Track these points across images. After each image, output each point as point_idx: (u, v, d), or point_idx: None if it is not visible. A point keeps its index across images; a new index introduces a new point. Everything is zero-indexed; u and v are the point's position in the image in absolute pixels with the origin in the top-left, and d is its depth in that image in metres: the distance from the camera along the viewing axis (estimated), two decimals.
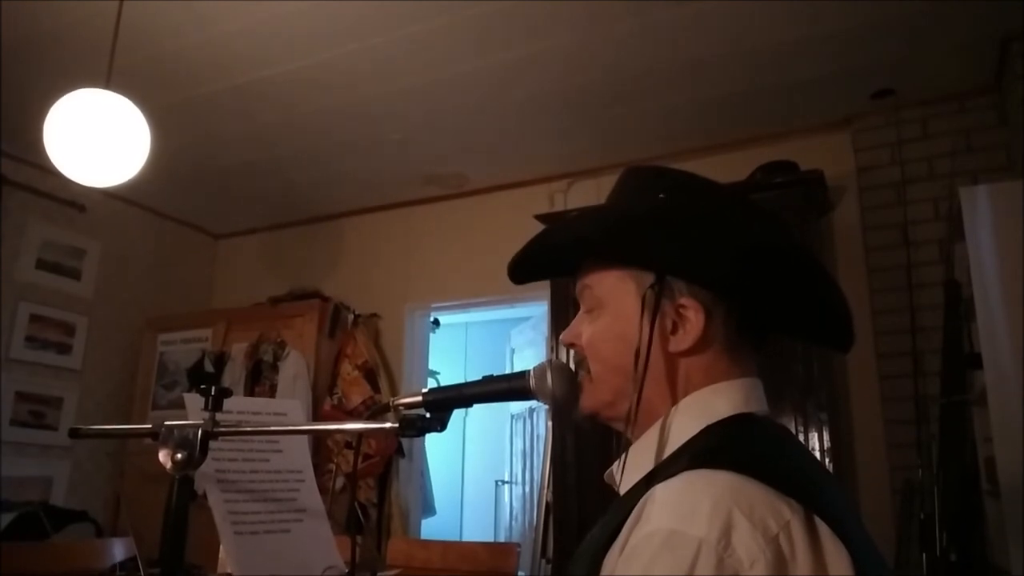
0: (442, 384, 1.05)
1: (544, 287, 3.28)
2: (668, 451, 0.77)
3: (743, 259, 0.78)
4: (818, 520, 0.65)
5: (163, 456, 0.91)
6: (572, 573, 0.75)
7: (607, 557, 0.71)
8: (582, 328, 0.87)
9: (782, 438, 0.81)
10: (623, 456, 0.81)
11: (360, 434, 1.03)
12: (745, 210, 0.84)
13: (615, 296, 0.83)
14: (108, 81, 2.12)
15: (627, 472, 0.80)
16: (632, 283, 0.82)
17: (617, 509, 0.74)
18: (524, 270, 0.94)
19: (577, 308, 0.90)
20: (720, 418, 0.77)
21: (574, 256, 0.89)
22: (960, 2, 2.42)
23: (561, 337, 0.92)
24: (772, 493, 0.65)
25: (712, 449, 0.72)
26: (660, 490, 0.68)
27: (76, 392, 3.87)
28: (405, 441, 3.76)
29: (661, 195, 0.84)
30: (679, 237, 0.79)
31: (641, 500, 0.69)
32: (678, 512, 0.64)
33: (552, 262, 0.94)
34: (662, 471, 0.73)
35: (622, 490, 0.80)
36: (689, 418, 0.78)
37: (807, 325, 0.85)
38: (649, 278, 0.80)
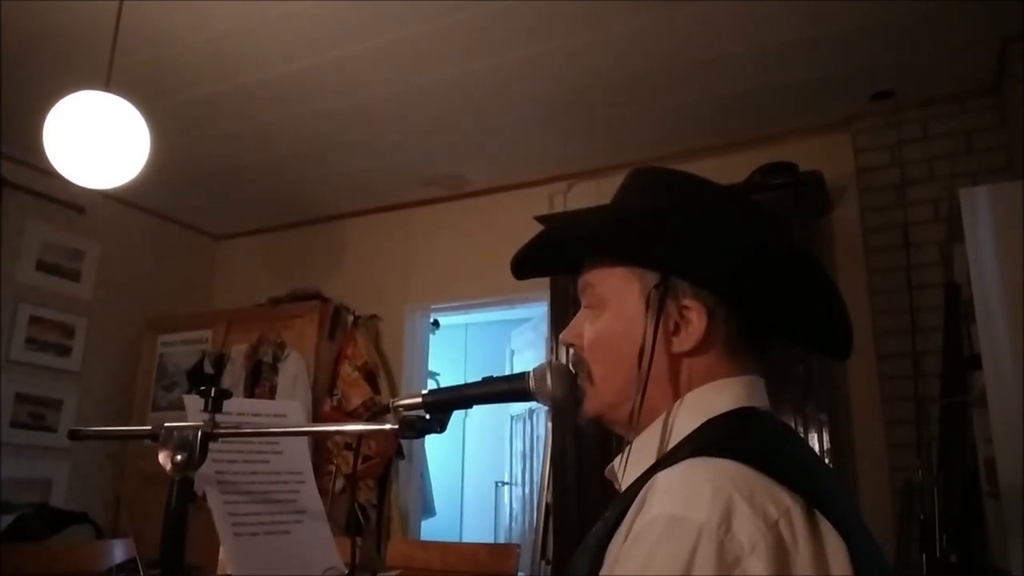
0: (442, 385, 1.05)
1: (544, 288, 3.28)
2: (669, 446, 0.78)
3: (746, 263, 0.78)
4: (819, 514, 0.65)
5: (163, 458, 0.91)
6: (574, 568, 0.74)
7: (609, 547, 0.71)
8: (583, 327, 0.87)
9: (784, 433, 0.81)
10: (624, 452, 0.81)
11: (360, 435, 1.03)
12: (750, 213, 0.85)
13: (618, 295, 0.83)
14: (108, 83, 2.11)
15: (628, 468, 0.80)
16: (636, 282, 0.82)
17: (618, 503, 0.74)
18: (527, 266, 0.94)
19: (577, 309, 0.90)
20: (722, 412, 0.77)
21: (579, 253, 0.88)
22: (960, 3, 2.43)
23: (561, 336, 0.91)
24: (772, 483, 0.65)
25: (714, 440, 0.72)
26: (661, 477, 0.68)
27: (76, 394, 3.87)
28: (405, 442, 3.76)
29: (667, 195, 0.84)
30: (686, 238, 0.80)
31: (643, 489, 0.70)
32: (679, 498, 0.64)
33: (556, 259, 0.93)
34: (663, 463, 0.73)
35: (623, 486, 0.80)
36: (691, 413, 0.78)
37: (806, 332, 0.85)
38: (653, 278, 0.80)
